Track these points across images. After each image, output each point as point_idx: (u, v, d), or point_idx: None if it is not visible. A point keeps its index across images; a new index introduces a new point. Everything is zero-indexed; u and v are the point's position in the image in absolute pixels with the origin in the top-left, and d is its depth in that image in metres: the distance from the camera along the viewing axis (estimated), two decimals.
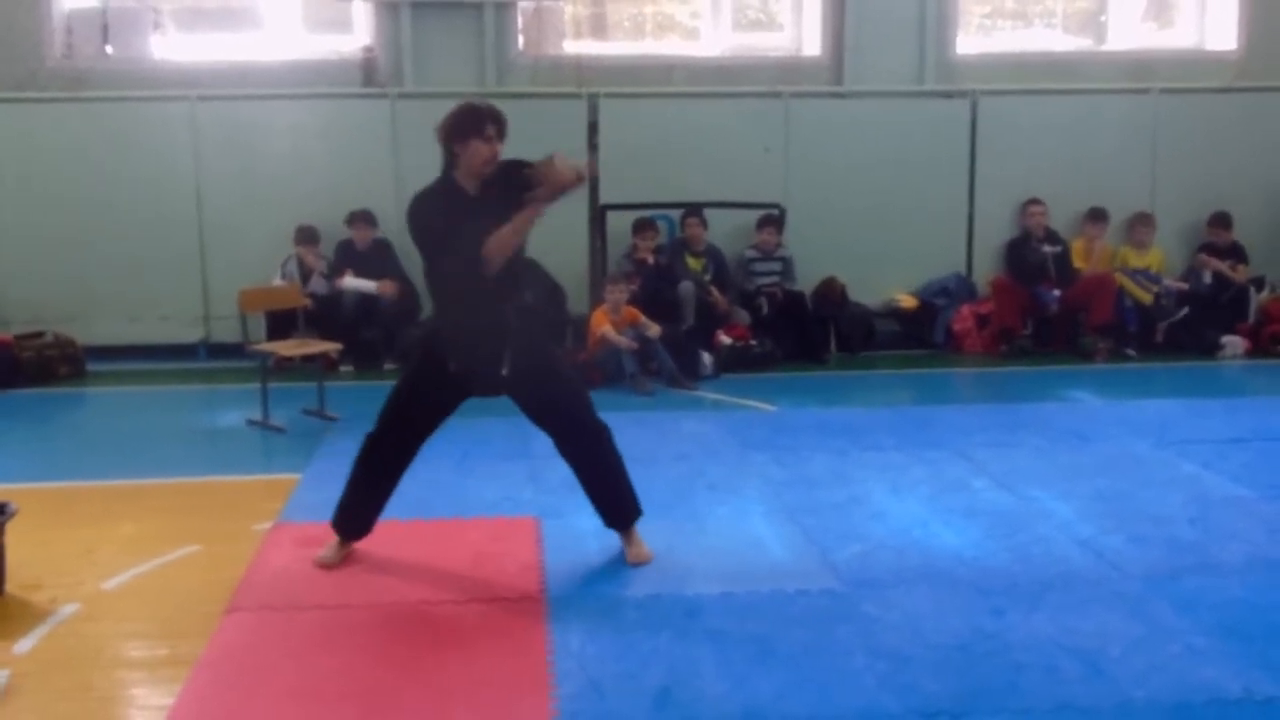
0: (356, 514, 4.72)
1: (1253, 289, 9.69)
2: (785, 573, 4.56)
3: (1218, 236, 9.81)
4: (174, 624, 4.17)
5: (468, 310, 4.41)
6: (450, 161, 4.39)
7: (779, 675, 3.70)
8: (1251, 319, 9.57)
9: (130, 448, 6.79)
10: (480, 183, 4.37)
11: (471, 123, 4.32)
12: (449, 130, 4.35)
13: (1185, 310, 9.48)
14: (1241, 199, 9.96)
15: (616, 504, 4.70)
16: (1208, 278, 9.71)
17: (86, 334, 9.12)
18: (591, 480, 4.66)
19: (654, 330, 8.32)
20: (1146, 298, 9.49)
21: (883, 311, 9.80)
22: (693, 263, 9.32)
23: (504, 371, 4.37)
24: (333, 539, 4.72)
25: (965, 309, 9.64)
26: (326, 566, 4.64)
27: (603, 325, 8.27)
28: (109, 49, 9.52)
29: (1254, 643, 3.89)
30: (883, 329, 9.75)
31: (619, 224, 9.35)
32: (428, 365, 4.55)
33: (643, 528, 4.86)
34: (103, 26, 9.50)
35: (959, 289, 9.79)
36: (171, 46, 9.76)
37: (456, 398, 4.56)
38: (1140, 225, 9.77)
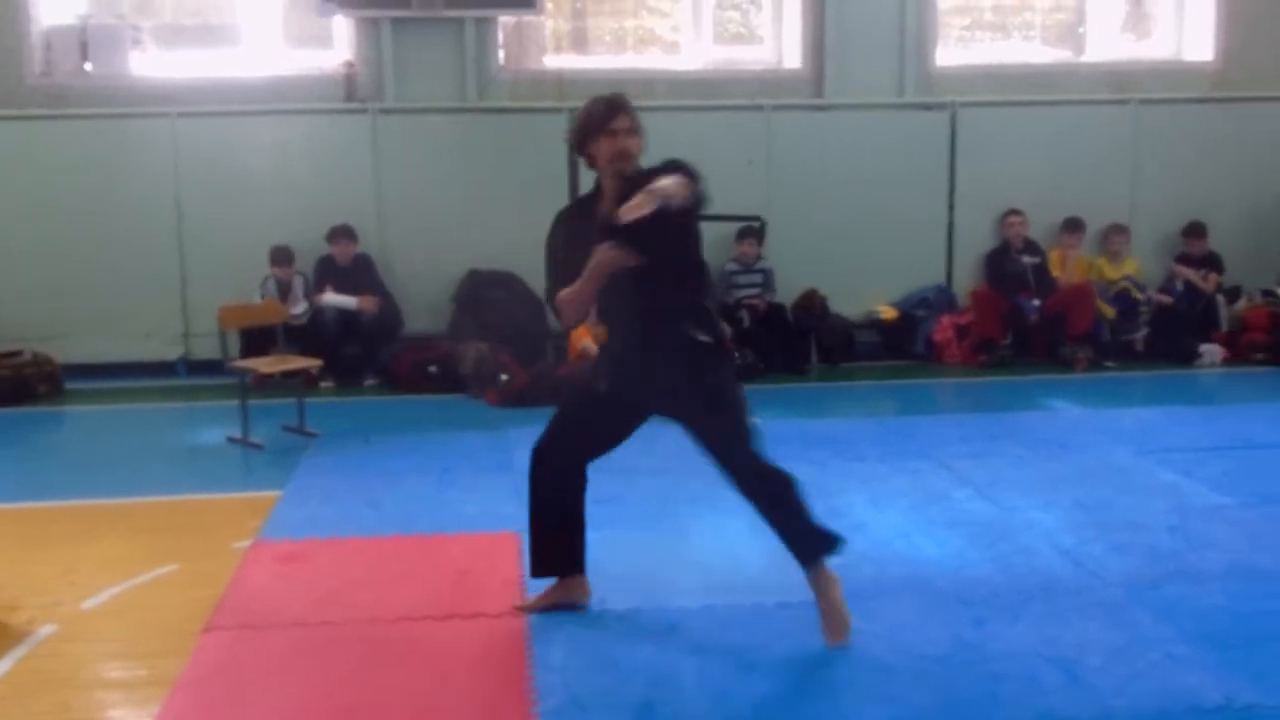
0: (541, 543, 4.33)
1: (1222, 298, 9.75)
2: (766, 585, 4.55)
3: (1192, 246, 9.88)
4: (153, 644, 4.14)
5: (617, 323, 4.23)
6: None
7: (761, 688, 3.70)
8: (1224, 328, 9.64)
9: (109, 466, 6.74)
10: (619, 184, 4.09)
11: (599, 118, 4.08)
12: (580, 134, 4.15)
13: (1145, 331, 9.59)
14: (1220, 208, 10.02)
15: (792, 542, 4.16)
16: (1180, 286, 9.79)
17: (65, 352, 9.06)
18: (766, 519, 4.16)
19: None
20: (1110, 312, 9.58)
21: (863, 323, 9.82)
22: None
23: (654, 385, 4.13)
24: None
25: (945, 320, 9.67)
26: (537, 610, 4.34)
27: (584, 339, 8.26)
28: (88, 66, 9.47)
29: (1234, 650, 3.91)
30: (863, 340, 9.77)
31: None
32: (586, 381, 4.33)
33: (622, 541, 4.88)
34: (82, 43, 9.43)
35: (939, 300, 9.83)
36: (151, 63, 9.71)
37: (621, 415, 4.30)
38: (1114, 235, 9.84)
